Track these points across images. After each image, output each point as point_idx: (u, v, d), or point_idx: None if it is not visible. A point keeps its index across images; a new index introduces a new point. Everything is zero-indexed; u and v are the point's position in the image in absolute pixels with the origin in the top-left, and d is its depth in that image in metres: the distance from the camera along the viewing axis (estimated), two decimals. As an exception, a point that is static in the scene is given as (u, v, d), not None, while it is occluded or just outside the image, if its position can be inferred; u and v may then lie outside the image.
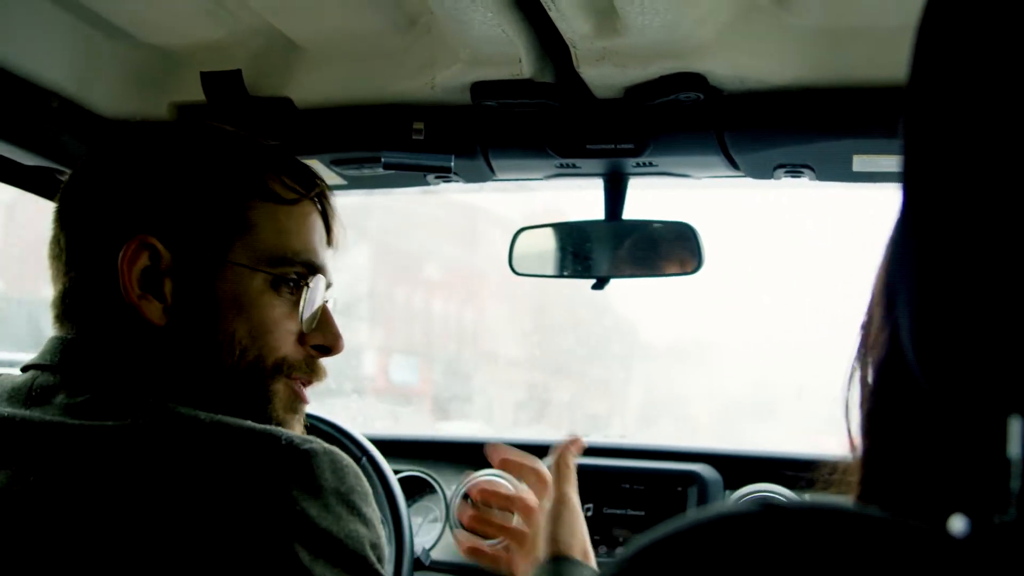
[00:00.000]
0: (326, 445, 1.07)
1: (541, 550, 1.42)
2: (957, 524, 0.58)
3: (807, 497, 2.30)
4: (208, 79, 1.76)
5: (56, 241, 1.26)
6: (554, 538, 1.44)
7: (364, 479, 1.10)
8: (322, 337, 1.33)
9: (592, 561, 1.42)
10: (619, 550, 2.32)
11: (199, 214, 1.24)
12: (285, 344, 1.28)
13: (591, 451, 2.47)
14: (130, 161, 1.26)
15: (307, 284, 1.31)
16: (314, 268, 1.31)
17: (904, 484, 0.72)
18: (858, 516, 0.61)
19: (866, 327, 0.81)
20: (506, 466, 1.63)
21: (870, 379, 0.79)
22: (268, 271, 1.27)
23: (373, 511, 1.10)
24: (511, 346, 11.85)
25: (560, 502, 1.45)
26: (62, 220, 1.26)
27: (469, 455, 2.53)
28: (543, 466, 1.53)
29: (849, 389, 0.82)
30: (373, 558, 1.07)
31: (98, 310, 1.21)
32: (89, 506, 1.00)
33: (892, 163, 1.77)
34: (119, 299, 1.19)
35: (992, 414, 0.59)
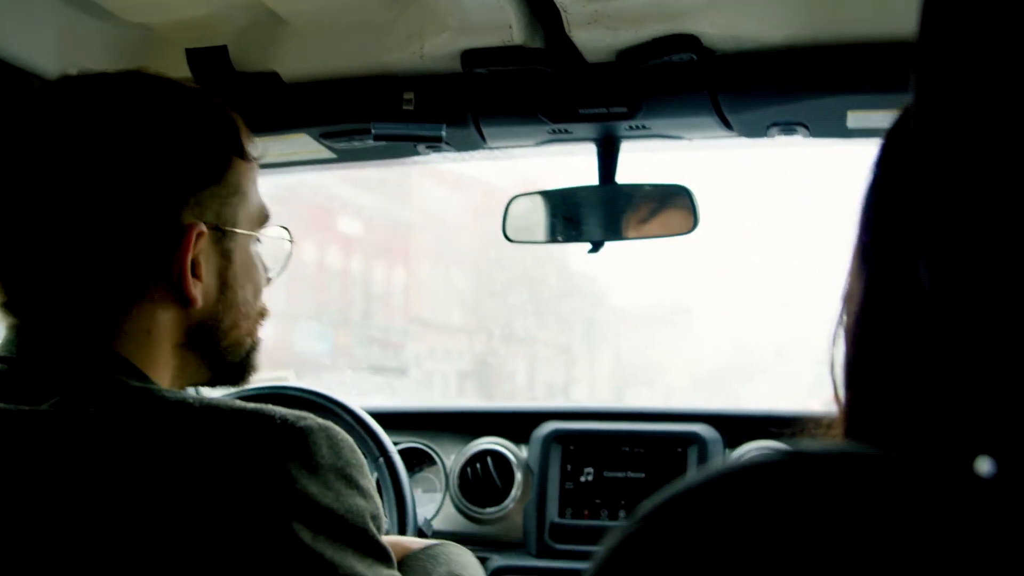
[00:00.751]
0: (320, 420, 1.06)
1: None
2: (984, 465, 0.57)
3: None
4: (194, 56, 1.74)
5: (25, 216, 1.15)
6: None
7: (359, 451, 1.10)
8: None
9: None
10: (621, 514, 2.33)
11: (215, 186, 1.19)
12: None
13: (589, 415, 2.48)
14: (118, 129, 1.15)
15: (291, 240, 1.36)
16: (269, 218, 1.32)
17: (887, 430, 0.71)
18: (885, 459, 0.60)
19: (849, 279, 0.81)
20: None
21: (849, 329, 0.78)
22: (258, 234, 1.28)
23: (370, 482, 1.10)
24: (452, 311, 11.17)
25: None
26: (43, 192, 1.14)
27: (467, 425, 2.54)
28: None
29: (834, 345, 0.81)
30: (374, 529, 1.07)
31: (105, 294, 1.14)
32: (86, 495, 0.98)
33: (886, 118, 1.75)
34: (141, 280, 1.14)
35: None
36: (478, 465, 2.44)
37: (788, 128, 1.84)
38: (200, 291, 1.17)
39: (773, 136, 1.87)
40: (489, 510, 2.42)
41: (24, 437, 1.03)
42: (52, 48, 1.72)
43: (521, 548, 2.40)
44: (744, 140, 1.94)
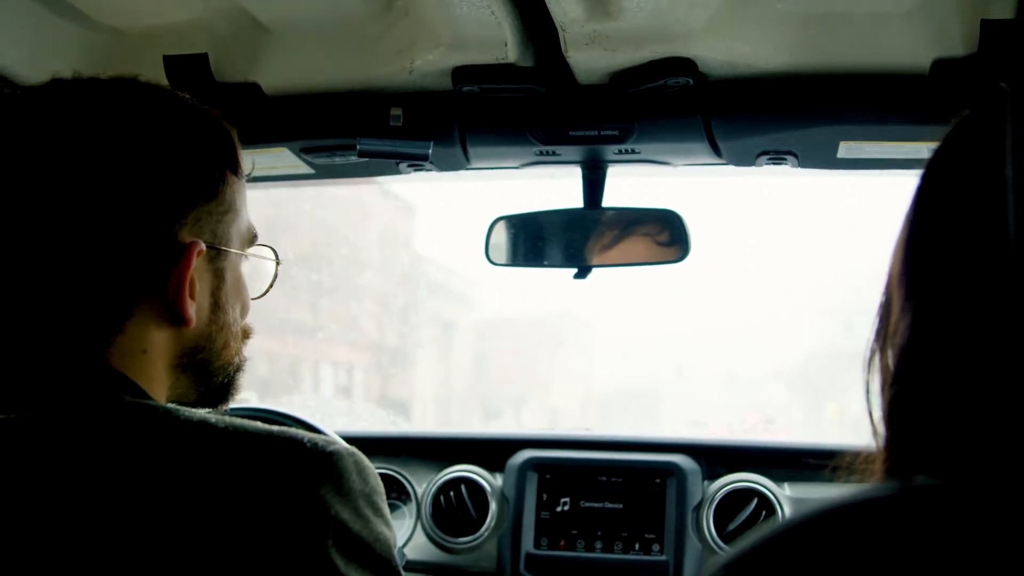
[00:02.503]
0: (347, 445, 1.06)
1: None
2: None
3: (786, 487, 2.29)
4: (172, 63, 1.69)
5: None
6: None
7: (382, 480, 1.09)
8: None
9: None
10: (598, 545, 2.29)
11: (212, 202, 1.16)
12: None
13: (566, 443, 2.44)
14: (117, 139, 1.10)
15: (278, 260, 1.36)
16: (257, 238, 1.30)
17: (931, 468, 0.70)
18: (994, 495, 0.60)
19: (883, 311, 0.81)
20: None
21: (891, 365, 0.79)
22: (247, 253, 1.26)
23: (388, 510, 1.09)
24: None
25: None
26: (33, 200, 1.08)
27: (440, 451, 2.49)
28: None
29: (869, 373, 0.82)
30: (397, 561, 1.06)
31: (97, 310, 1.08)
32: (111, 518, 0.95)
33: (878, 149, 1.76)
34: (133, 297, 1.10)
35: None
36: (451, 493, 2.39)
37: (777, 157, 1.84)
38: (194, 310, 1.13)
39: (761, 165, 1.88)
40: (462, 540, 2.36)
41: (24, 450, 0.99)
42: (25, 50, 1.67)
43: (495, 578, 2.34)
44: (731, 168, 1.93)
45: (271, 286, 1.37)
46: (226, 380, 1.25)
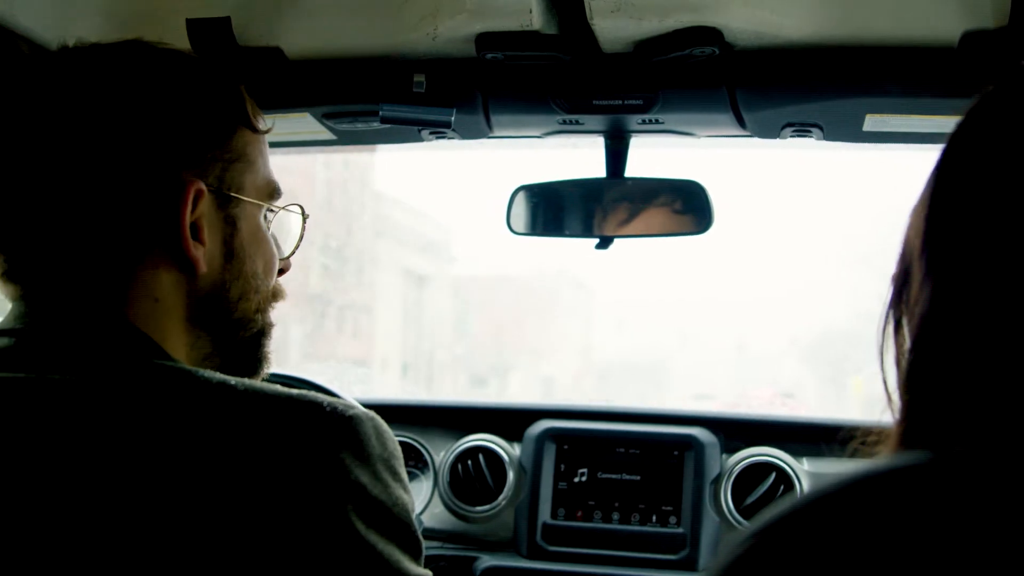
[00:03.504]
0: (366, 410, 1.06)
1: None
2: None
3: (805, 462, 2.28)
4: (194, 26, 1.68)
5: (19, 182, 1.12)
6: None
7: (401, 447, 1.10)
8: (286, 261, 1.34)
9: None
10: (615, 516, 2.29)
11: (218, 150, 1.17)
12: (277, 273, 1.30)
13: (584, 414, 2.44)
14: (120, 93, 1.13)
15: (305, 214, 1.36)
16: (280, 195, 1.30)
17: (948, 435, 0.71)
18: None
19: (899, 280, 0.82)
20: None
21: (909, 334, 0.80)
22: (266, 204, 1.26)
23: (406, 475, 1.10)
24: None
25: None
26: (41, 156, 1.11)
27: (458, 420, 2.49)
28: None
29: (883, 342, 0.82)
30: (415, 524, 1.07)
31: (109, 258, 1.10)
32: (130, 479, 0.95)
33: (904, 123, 1.75)
34: (143, 242, 1.11)
35: None
36: (469, 462, 2.40)
37: (802, 129, 1.83)
38: (203, 255, 1.14)
39: (786, 137, 1.87)
40: (480, 509, 2.37)
41: (47, 410, 1.00)
42: (48, 13, 1.66)
43: (512, 548, 2.35)
44: (755, 140, 1.92)
45: (299, 243, 1.36)
46: (250, 340, 1.25)
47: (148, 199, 1.10)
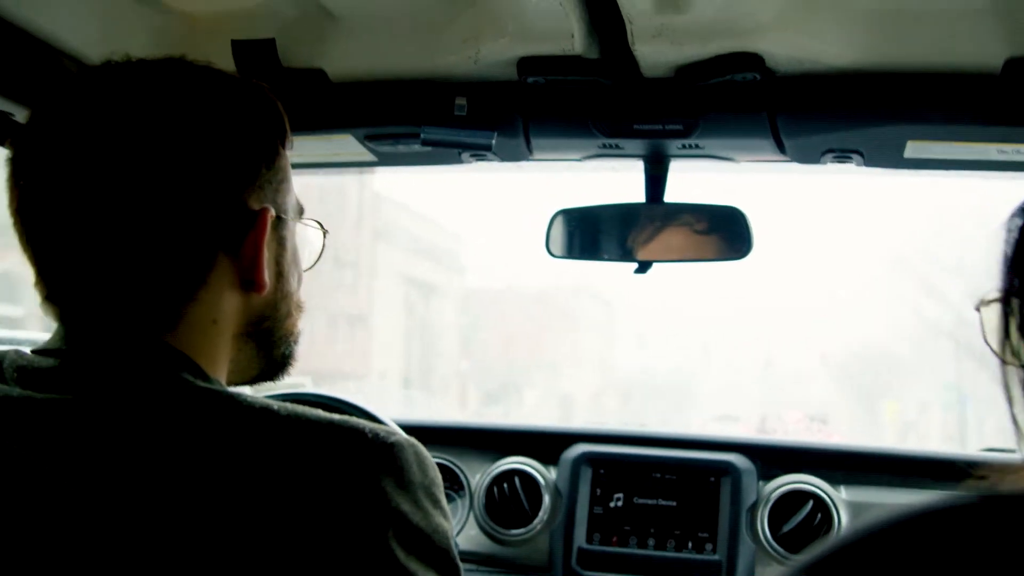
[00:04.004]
0: (407, 436, 1.05)
1: None
2: None
3: (843, 490, 2.26)
4: (240, 48, 1.70)
5: (73, 204, 1.08)
6: None
7: (442, 472, 1.10)
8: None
9: None
10: (650, 542, 2.28)
11: (270, 170, 1.17)
12: None
13: (620, 439, 2.43)
14: (179, 113, 1.10)
15: (325, 231, 1.36)
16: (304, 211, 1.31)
17: None
18: None
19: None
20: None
21: None
22: (301, 221, 1.27)
23: (446, 502, 1.09)
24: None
25: None
26: (103, 178, 1.07)
27: (494, 442, 2.49)
28: None
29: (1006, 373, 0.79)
30: (455, 552, 1.06)
31: (170, 280, 1.09)
32: (172, 504, 0.95)
33: (946, 150, 1.74)
34: (207, 265, 1.10)
35: None
36: (505, 485, 2.39)
37: (843, 155, 1.83)
38: (267, 278, 1.15)
39: (826, 163, 1.86)
40: (515, 532, 2.37)
41: (89, 433, 1.00)
42: (93, 33, 1.68)
43: (547, 572, 2.35)
44: (794, 165, 1.92)
45: (319, 257, 1.37)
46: (286, 351, 1.26)
47: (216, 223, 1.09)
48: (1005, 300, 0.79)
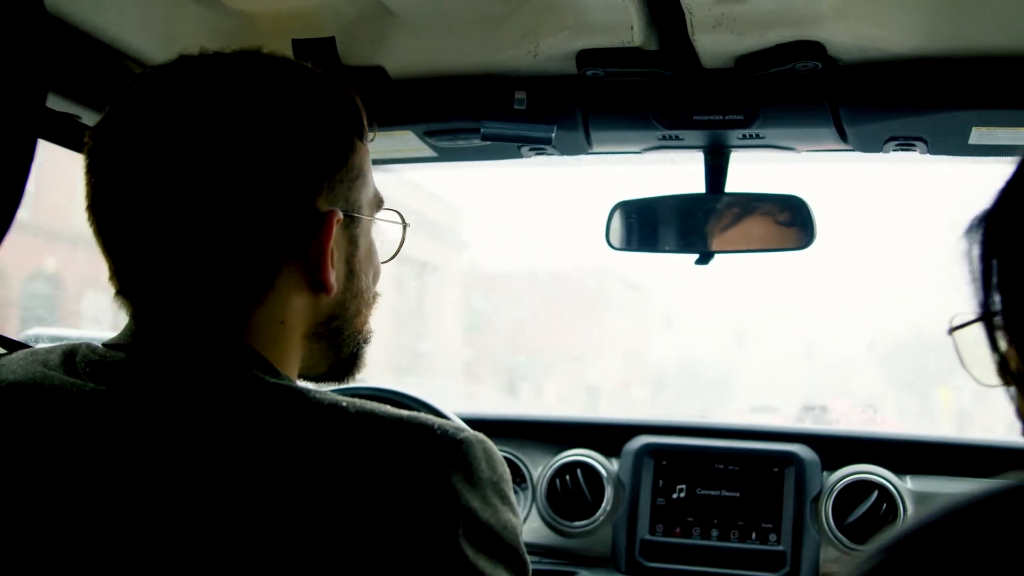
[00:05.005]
0: (476, 433, 1.05)
1: None
2: None
3: (908, 480, 2.25)
4: (300, 46, 1.71)
5: (159, 202, 1.08)
6: None
7: (507, 466, 1.08)
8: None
9: None
10: (714, 533, 2.27)
11: (344, 169, 1.16)
12: None
13: (682, 430, 2.43)
14: (253, 111, 1.10)
15: (405, 224, 1.36)
16: (384, 204, 1.30)
17: None
18: None
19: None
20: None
21: None
22: (377, 219, 1.27)
23: (515, 498, 1.08)
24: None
25: None
26: (174, 177, 1.08)
27: (555, 435, 2.50)
28: None
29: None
30: (523, 548, 1.05)
31: (239, 281, 1.09)
32: (239, 500, 0.96)
33: (1011, 136, 1.71)
34: (275, 267, 1.11)
35: None
36: (567, 477, 2.40)
37: (907, 143, 1.81)
38: (335, 278, 1.15)
39: (889, 151, 1.85)
40: (577, 524, 2.37)
41: (156, 430, 1.00)
42: (155, 34, 1.70)
43: (610, 564, 2.36)
44: (857, 154, 1.90)
45: (399, 250, 1.37)
46: (355, 350, 1.26)
47: (284, 226, 1.09)
48: (987, 319, 0.78)
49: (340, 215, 1.13)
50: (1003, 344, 0.78)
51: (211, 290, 1.08)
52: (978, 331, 0.80)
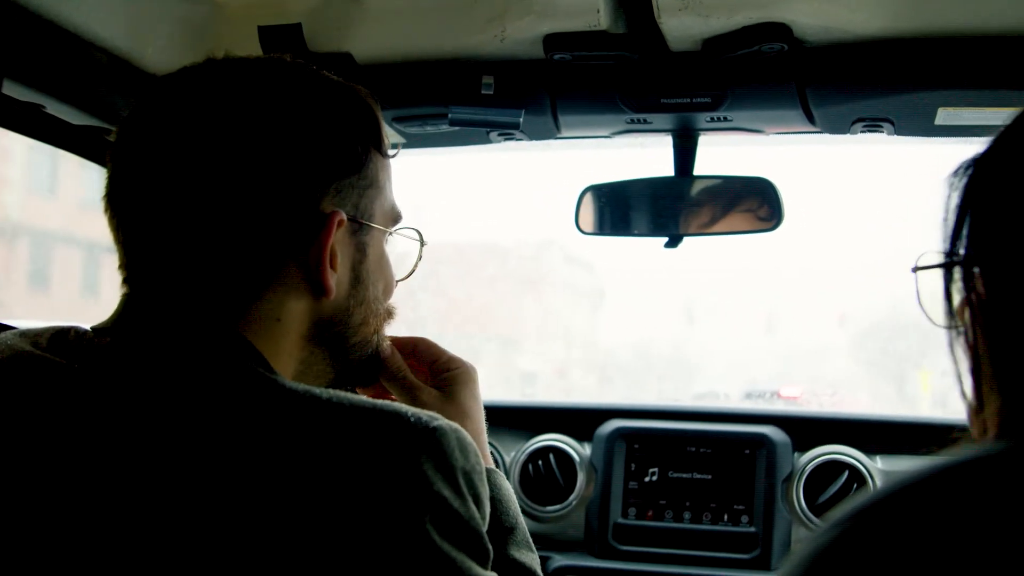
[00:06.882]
0: (449, 421, 1.06)
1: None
2: None
3: (878, 460, 2.26)
4: (266, 33, 1.70)
5: (174, 195, 1.12)
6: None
7: (479, 455, 1.09)
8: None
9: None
10: (686, 515, 2.29)
11: (356, 176, 1.18)
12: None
13: (653, 414, 2.44)
14: (263, 113, 1.14)
15: (423, 242, 1.37)
16: (401, 218, 1.31)
17: None
18: None
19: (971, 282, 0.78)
20: None
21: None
22: (391, 230, 1.28)
23: (486, 488, 1.09)
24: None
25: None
26: (183, 171, 1.12)
27: (528, 421, 2.50)
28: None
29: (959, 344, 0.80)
30: (486, 537, 1.07)
31: (238, 275, 1.12)
32: (212, 484, 0.97)
33: (976, 116, 1.72)
34: (276, 265, 1.13)
35: None
36: (539, 462, 2.41)
37: (873, 124, 1.82)
38: (335, 282, 1.16)
39: (856, 132, 1.85)
40: (550, 508, 2.38)
41: (136, 408, 1.02)
42: (120, 21, 1.69)
43: (583, 548, 2.36)
44: (825, 136, 1.91)
45: (415, 267, 1.39)
46: (363, 358, 1.27)
47: (287, 224, 1.12)
48: (947, 267, 0.79)
49: (343, 217, 1.15)
50: (956, 294, 0.80)
51: (210, 281, 1.11)
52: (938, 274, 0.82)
